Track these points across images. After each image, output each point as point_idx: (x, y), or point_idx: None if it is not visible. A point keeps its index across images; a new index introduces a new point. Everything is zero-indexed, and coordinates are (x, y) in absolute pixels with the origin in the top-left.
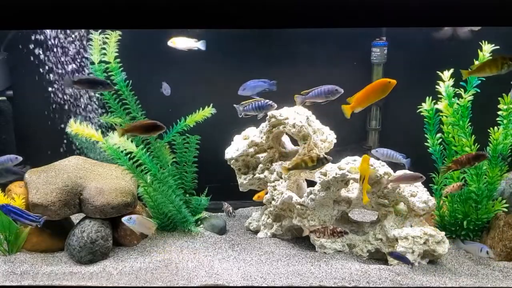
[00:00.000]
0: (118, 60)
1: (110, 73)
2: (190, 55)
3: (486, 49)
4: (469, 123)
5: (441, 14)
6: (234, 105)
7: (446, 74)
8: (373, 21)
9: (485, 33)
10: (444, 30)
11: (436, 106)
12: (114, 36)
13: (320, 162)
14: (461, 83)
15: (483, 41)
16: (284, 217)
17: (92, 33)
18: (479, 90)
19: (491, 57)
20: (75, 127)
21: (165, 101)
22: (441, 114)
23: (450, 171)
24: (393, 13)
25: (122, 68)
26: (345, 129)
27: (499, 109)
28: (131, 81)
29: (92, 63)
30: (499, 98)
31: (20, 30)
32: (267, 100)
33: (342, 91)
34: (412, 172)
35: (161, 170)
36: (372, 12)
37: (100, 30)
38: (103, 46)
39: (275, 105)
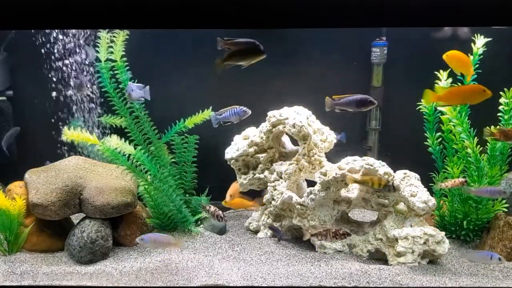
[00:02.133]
0: (125, 59)
1: (115, 72)
2: (191, 55)
3: (479, 44)
4: (469, 121)
5: (441, 14)
6: (210, 115)
7: (444, 74)
8: (373, 21)
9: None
10: (444, 30)
11: (440, 108)
12: (121, 35)
13: (386, 188)
14: (458, 77)
15: (477, 35)
16: (284, 217)
17: (100, 31)
18: (476, 83)
19: None
20: (70, 134)
21: (167, 100)
22: (441, 114)
23: (492, 138)
24: (393, 13)
25: (128, 67)
26: (345, 129)
27: (500, 104)
28: (136, 80)
29: (99, 60)
30: (501, 93)
31: (20, 30)
32: (242, 107)
33: (376, 103)
34: (494, 187)
35: (161, 170)
36: (372, 12)
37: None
38: (110, 45)
39: (249, 111)
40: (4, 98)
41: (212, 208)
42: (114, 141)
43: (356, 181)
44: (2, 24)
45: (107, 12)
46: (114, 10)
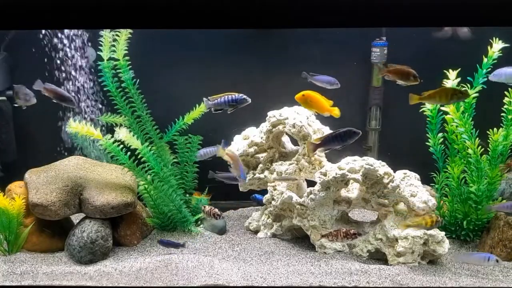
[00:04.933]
0: (127, 58)
1: (118, 71)
2: (191, 55)
3: (496, 48)
4: (472, 122)
5: (441, 14)
6: (203, 99)
7: (453, 73)
8: (373, 21)
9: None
10: (444, 30)
11: (442, 108)
12: (124, 34)
13: (437, 224)
14: (468, 77)
15: (495, 39)
16: (284, 217)
17: (102, 30)
18: (485, 86)
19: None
20: (74, 126)
21: (168, 99)
22: (445, 114)
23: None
24: (393, 13)
25: (130, 66)
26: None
27: (504, 103)
28: (138, 79)
29: (101, 59)
30: (505, 92)
31: (20, 30)
32: (241, 94)
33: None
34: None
35: (163, 169)
36: (372, 12)
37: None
38: (113, 43)
39: (249, 100)
40: (4, 98)
41: (208, 208)
42: (123, 133)
43: (408, 226)
44: (2, 24)
45: (107, 12)
46: (114, 10)
